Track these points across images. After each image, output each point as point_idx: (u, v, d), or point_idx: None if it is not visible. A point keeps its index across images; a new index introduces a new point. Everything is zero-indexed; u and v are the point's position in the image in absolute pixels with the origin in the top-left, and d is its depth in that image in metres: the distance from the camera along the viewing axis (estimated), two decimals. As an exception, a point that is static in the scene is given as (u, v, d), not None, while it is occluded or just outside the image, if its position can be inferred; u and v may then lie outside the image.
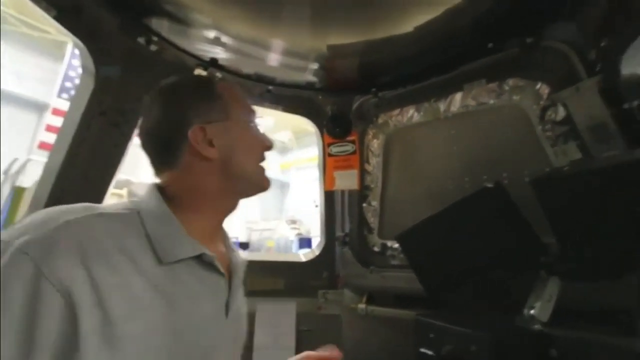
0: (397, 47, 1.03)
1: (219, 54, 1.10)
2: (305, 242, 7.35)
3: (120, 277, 0.44)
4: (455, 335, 0.87)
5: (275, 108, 1.42)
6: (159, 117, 0.58)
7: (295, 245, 7.61)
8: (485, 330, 0.83)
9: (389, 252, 1.37)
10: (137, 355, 0.43)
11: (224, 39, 1.00)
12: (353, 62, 1.13)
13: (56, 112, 5.46)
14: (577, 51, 0.89)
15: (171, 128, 0.57)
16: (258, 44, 1.04)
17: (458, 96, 1.21)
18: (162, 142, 0.58)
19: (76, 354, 0.39)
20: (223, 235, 0.66)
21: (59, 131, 1.03)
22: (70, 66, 5.57)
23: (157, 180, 0.59)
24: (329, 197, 1.53)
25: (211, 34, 0.99)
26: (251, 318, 1.33)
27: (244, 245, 7.39)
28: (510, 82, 1.08)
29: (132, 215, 0.51)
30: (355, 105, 1.42)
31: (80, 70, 1.02)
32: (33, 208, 0.99)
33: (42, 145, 5.39)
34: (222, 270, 0.56)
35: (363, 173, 1.45)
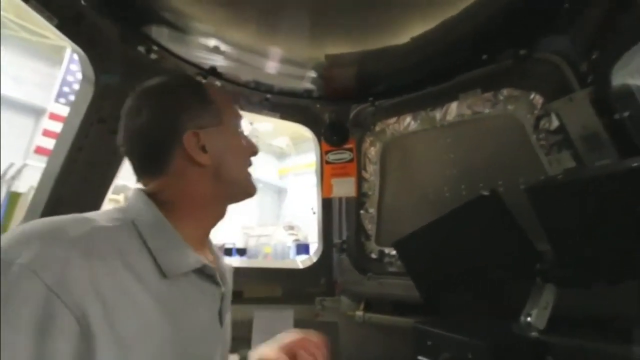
0: (394, 57, 1.05)
1: (218, 62, 1.11)
2: (302, 248, 7.28)
3: (128, 296, 0.43)
4: (453, 343, 0.87)
5: (274, 116, 1.43)
6: (150, 120, 0.54)
7: (292, 251, 7.56)
8: (482, 337, 0.83)
9: (386, 259, 1.37)
10: None
11: (224, 47, 1.01)
12: (351, 71, 1.15)
13: (53, 116, 5.44)
14: (569, 63, 0.91)
15: (163, 132, 0.54)
16: (257, 52, 1.05)
17: (454, 105, 1.23)
18: (153, 146, 0.54)
19: None
20: (209, 242, 0.65)
21: (57, 137, 1.03)
22: (68, 71, 5.58)
23: (142, 187, 0.56)
24: (327, 204, 1.53)
25: (211, 42, 1.00)
26: (248, 325, 1.32)
27: (241, 251, 7.31)
28: (505, 92, 1.10)
29: (129, 227, 0.48)
30: (352, 114, 1.43)
31: (78, 76, 1.03)
32: (30, 214, 0.99)
33: (39, 150, 5.37)
34: (219, 280, 0.57)
35: (360, 180, 1.46)
